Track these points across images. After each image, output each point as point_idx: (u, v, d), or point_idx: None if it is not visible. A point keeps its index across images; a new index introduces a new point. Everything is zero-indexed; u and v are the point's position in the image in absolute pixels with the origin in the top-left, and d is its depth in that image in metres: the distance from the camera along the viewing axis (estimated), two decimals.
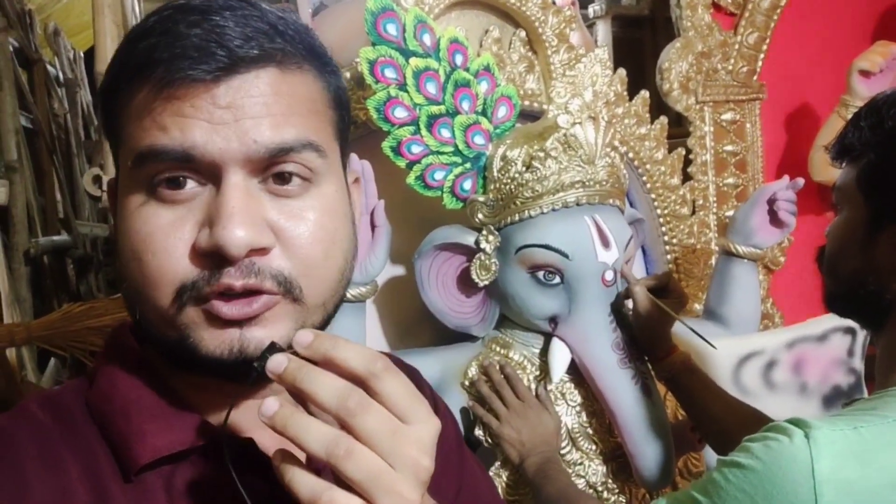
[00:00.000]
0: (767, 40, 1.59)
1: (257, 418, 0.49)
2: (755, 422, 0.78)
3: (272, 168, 0.45)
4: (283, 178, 0.45)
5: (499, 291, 1.07)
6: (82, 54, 3.03)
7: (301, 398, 0.40)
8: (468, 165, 1.05)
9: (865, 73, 1.52)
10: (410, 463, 0.39)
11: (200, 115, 0.42)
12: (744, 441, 0.64)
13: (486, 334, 1.13)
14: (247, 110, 0.43)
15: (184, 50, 0.42)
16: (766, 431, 0.63)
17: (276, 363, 0.40)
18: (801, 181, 1.21)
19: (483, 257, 1.04)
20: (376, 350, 0.42)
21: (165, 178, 0.44)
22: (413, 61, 0.99)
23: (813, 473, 0.57)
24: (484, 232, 1.04)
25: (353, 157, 0.55)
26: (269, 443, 0.49)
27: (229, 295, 0.44)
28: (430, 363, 1.09)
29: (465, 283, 1.08)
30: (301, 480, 0.38)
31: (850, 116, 1.58)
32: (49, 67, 3.00)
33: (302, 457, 0.40)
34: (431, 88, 1.01)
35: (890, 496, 0.57)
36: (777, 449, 0.60)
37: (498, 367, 1.07)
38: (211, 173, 0.44)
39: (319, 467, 0.40)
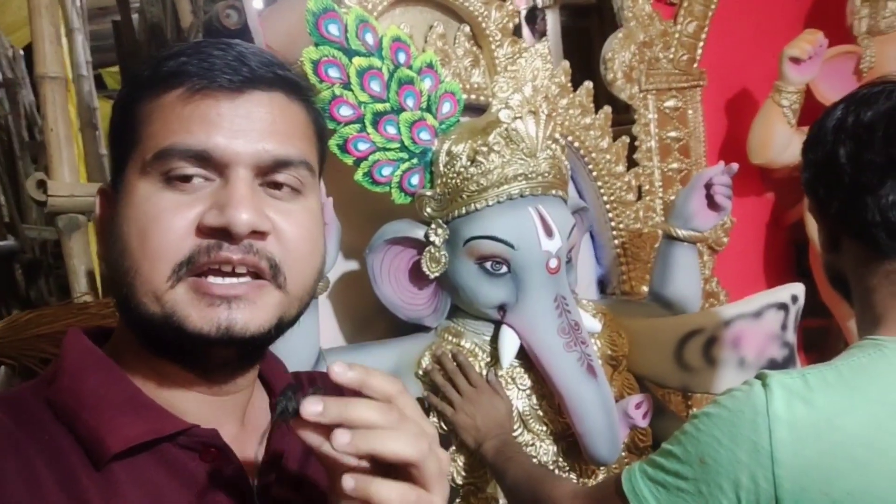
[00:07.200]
0: (706, 29, 1.65)
1: (222, 412, 0.54)
2: None
3: (271, 175, 0.52)
4: (276, 186, 0.53)
5: (449, 282, 1.10)
6: (22, 52, 2.92)
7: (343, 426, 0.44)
8: (415, 161, 1.07)
9: (796, 60, 1.59)
10: (444, 458, 0.48)
11: (223, 123, 0.50)
12: (714, 398, 0.76)
13: (438, 324, 1.16)
14: (261, 123, 0.52)
15: (213, 64, 0.51)
16: (733, 388, 0.75)
17: (313, 406, 0.43)
18: (735, 166, 1.27)
19: (433, 250, 1.07)
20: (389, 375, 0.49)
21: (178, 175, 0.50)
22: (356, 60, 1.00)
23: (768, 412, 0.69)
24: (433, 225, 1.07)
25: None
26: (231, 435, 0.54)
27: (223, 272, 0.49)
28: (386, 355, 1.12)
29: (417, 275, 1.10)
30: (389, 490, 0.43)
31: (783, 101, 1.65)
32: None
33: None
34: (375, 86, 1.03)
35: (824, 429, 0.68)
36: (740, 397, 0.72)
37: (450, 356, 1.10)
38: (221, 170, 0.51)
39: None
